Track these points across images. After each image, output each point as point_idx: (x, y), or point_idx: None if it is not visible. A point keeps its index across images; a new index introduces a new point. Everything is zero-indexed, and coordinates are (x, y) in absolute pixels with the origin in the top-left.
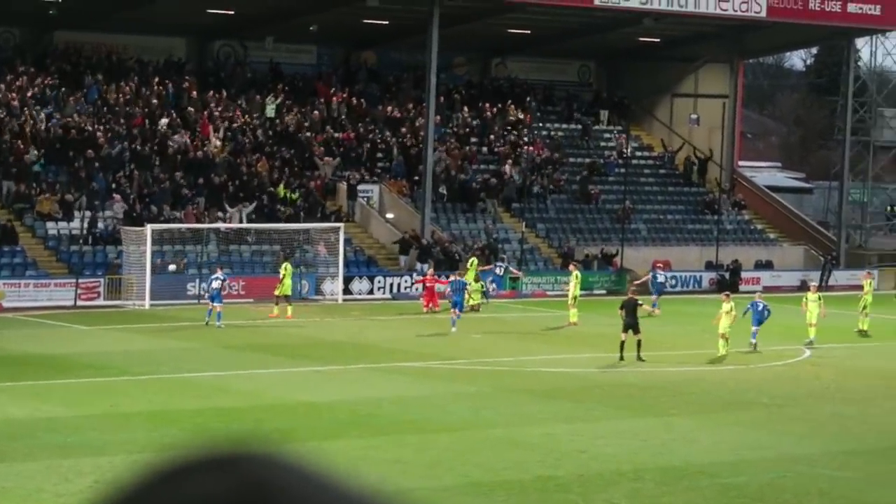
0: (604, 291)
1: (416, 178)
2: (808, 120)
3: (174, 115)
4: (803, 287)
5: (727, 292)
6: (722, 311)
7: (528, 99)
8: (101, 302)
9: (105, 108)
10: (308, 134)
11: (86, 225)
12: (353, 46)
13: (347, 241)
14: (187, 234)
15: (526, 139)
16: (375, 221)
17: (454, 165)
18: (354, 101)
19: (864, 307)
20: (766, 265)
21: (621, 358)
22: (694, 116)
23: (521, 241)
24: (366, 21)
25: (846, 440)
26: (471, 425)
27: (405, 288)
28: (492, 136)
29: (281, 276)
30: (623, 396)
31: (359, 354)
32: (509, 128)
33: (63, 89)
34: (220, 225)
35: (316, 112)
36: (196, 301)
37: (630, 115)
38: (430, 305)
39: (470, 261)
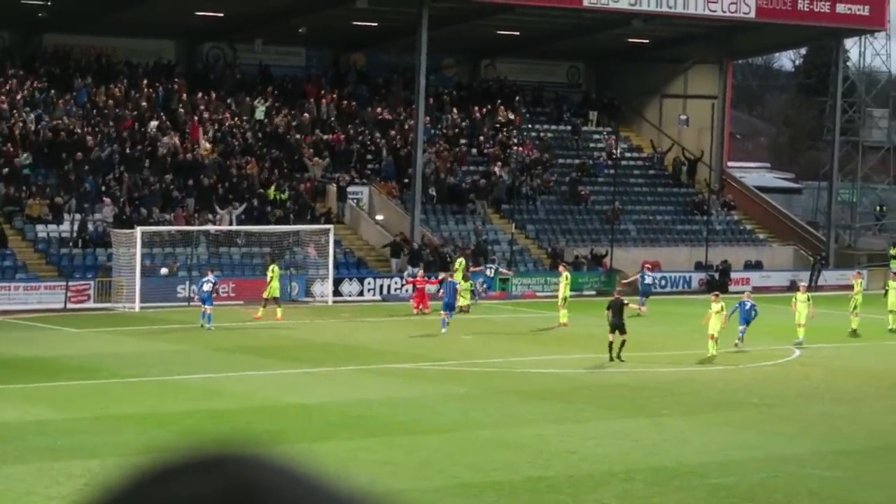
0: (594, 292)
1: (406, 180)
2: (797, 120)
3: (164, 117)
4: (793, 287)
5: (716, 292)
6: (711, 311)
7: (517, 99)
8: (91, 305)
9: (94, 111)
10: (297, 136)
11: (75, 228)
12: (343, 48)
13: (337, 243)
14: (177, 236)
15: (515, 140)
16: (365, 223)
17: (443, 167)
18: (344, 103)
19: (855, 307)
20: (756, 265)
21: (611, 359)
22: (683, 117)
23: (510, 243)
24: (355, 23)
25: (836, 440)
26: (461, 426)
27: (395, 289)
28: (481, 138)
29: (268, 278)
30: (613, 397)
31: (349, 356)
32: (498, 126)
33: (52, 92)
34: (210, 227)
35: (306, 115)
36: (186, 303)
37: (619, 116)
38: (421, 307)
39: (458, 261)
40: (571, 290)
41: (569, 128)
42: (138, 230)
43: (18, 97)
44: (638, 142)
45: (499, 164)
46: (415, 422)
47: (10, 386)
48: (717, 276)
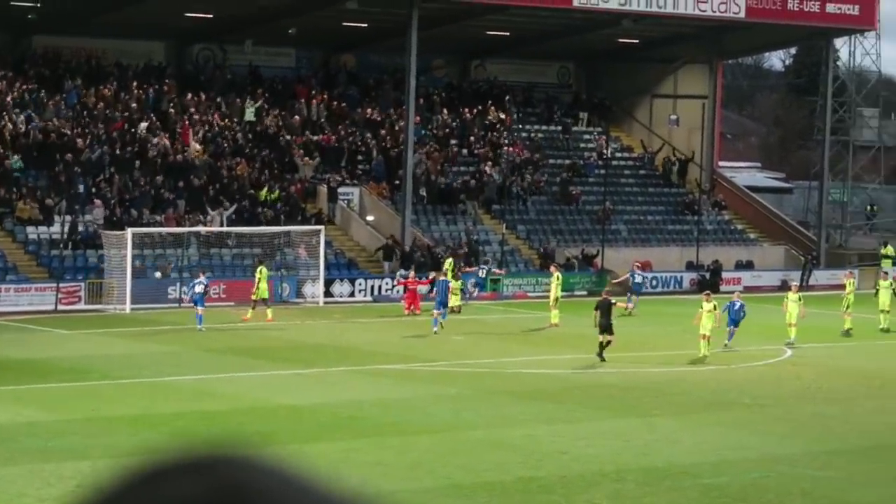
0: (585, 292)
1: (397, 181)
2: (787, 120)
3: (154, 118)
4: (784, 287)
5: (708, 292)
6: (703, 310)
7: (507, 99)
8: (81, 306)
9: (84, 112)
10: (288, 137)
11: (66, 229)
12: (333, 49)
13: (328, 244)
14: (168, 237)
15: (506, 141)
16: (356, 224)
17: (434, 168)
18: (334, 103)
19: (848, 307)
20: (747, 265)
21: (602, 359)
22: (673, 117)
23: (501, 243)
24: (345, 24)
25: (828, 440)
26: (452, 427)
27: (386, 290)
28: (471, 138)
29: (256, 279)
30: (604, 397)
31: (340, 357)
32: (488, 126)
33: (42, 93)
34: (201, 228)
35: (297, 117)
36: (177, 304)
37: (610, 116)
38: (412, 308)
39: (447, 261)
40: (563, 290)
41: (559, 128)
42: (129, 231)
43: (8, 99)
44: (628, 142)
45: (489, 164)
46: (406, 423)
47: (0, 388)
48: (708, 275)
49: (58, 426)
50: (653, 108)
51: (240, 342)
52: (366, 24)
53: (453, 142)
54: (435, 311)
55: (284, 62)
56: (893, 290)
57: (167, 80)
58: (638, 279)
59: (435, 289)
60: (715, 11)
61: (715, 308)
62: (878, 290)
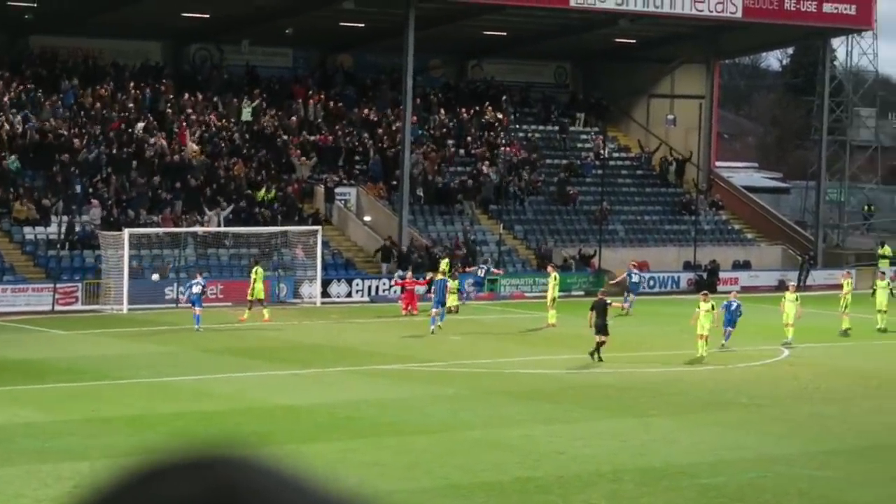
0: (582, 293)
1: (394, 181)
2: (784, 120)
3: (151, 118)
4: (781, 287)
5: (705, 292)
6: (700, 310)
7: (504, 99)
8: (78, 307)
9: (81, 113)
10: (285, 137)
11: (63, 230)
12: (330, 49)
13: (325, 244)
14: (165, 238)
15: (503, 141)
16: (353, 224)
17: (431, 168)
18: (331, 103)
19: (846, 307)
20: (744, 265)
21: (599, 359)
22: (670, 117)
23: (498, 243)
24: (342, 24)
25: (825, 440)
26: (449, 427)
27: (383, 290)
28: (469, 138)
29: (252, 280)
30: (602, 397)
31: (337, 357)
32: (485, 126)
33: (39, 93)
34: (198, 229)
35: (294, 117)
36: (174, 305)
37: (607, 116)
38: (409, 308)
39: (443, 262)
40: (560, 290)
41: (556, 128)
42: (126, 232)
43: (5, 99)
44: (625, 142)
45: (486, 164)
46: (403, 423)
47: None
48: (705, 276)
49: (55, 427)
50: (650, 108)
51: (237, 342)
52: (363, 25)
53: (450, 142)
54: (433, 310)
55: (281, 62)
56: (891, 290)
57: (164, 80)
58: (635, 278)
59: (433, 287)
60: (712, 11)
61: (713, 308)
62: (875, 290)
